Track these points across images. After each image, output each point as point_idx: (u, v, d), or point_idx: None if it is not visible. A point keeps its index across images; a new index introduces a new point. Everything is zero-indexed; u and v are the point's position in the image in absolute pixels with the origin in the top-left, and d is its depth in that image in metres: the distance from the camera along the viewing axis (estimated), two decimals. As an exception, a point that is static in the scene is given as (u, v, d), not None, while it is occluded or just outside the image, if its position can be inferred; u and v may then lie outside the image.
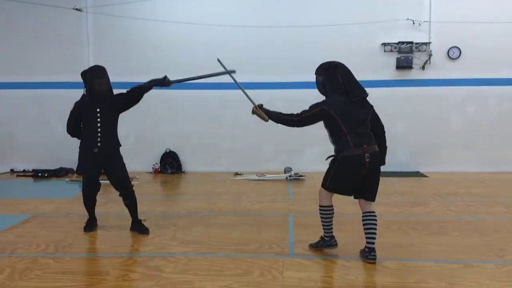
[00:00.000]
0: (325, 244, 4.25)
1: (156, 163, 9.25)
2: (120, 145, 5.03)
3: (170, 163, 9.22)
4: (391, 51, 8.89)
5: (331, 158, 4.10)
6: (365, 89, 4.05)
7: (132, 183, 5.07)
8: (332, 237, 4.21)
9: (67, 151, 8.99)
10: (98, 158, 4.83)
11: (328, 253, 4.23)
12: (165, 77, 4.91)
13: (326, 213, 4.14)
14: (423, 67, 8.89)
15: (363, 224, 4.06)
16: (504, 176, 8.48)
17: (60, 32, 9.21)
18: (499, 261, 4.06)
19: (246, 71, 9.02)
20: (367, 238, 4.02)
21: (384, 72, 9.00)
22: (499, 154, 8.99)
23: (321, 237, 4.28)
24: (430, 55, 8.81)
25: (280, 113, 4.16)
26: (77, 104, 4.86)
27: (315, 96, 4.27)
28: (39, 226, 5.28)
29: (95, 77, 4.76)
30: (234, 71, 4.62)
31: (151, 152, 9.28)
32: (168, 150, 9.30)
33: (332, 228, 4.20)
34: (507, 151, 8.99)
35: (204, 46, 8.99)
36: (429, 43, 8.83)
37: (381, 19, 8.72)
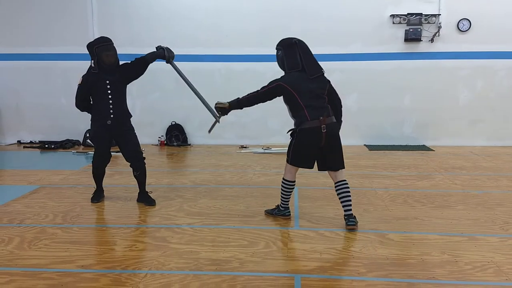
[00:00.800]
0: (279, 213, 4.50)
1: (162, 136, 9.27)
2: (131, 116, 5.05)
3: (176, 136, 9.23)
4: (399, 23, 8.72)
5: (291, 132, 4.26)
6: (322, 67, 4.19)
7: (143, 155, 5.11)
8: (287, 208, 4.48)
9: (74, 123, 9.08)
10: (112, 130, 4.85)
11: (333, 226, 4.27)
12: (167, 55, 4.90)
13: (287, 187, 4.37)
14: (432, 40, 8.74)
15: (337, 194, 4.22)
16: (511, 150, 8.42)
17: (64, 2, 9.09)
18: (504, 234, 4.08)
19: (250, 43, 8.97)
20: (344, 206, 4.18)
21: (392, 45, 8.85)
22: (506, 128, 8.91)
23: (277, 206, 4.55)
24: (439, 28, 8.64)
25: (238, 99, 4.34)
26: (85, 78, 4.82)
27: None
28: (47, 197, 5.34)
29: (103, 49, 4.72)
30: (218, 118, 4.68)
31: (157, 125, 9.28)
32: (174, 123, 9.30)
33: (289, 201, 4.46)
34: (515, 125, 8.91)
35: (210, 17, 8.89)
36: (439, 15, 8.65)
37: (390, -10, 8.56)
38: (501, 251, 3.69)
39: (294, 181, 4.37)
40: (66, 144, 8.97)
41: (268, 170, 6.85)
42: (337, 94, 4.30)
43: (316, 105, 4.07)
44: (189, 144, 9.25)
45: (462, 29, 8.69)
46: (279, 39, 4.36)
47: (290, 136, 4.28)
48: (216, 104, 4.47)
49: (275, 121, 9.06)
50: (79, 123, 8.83)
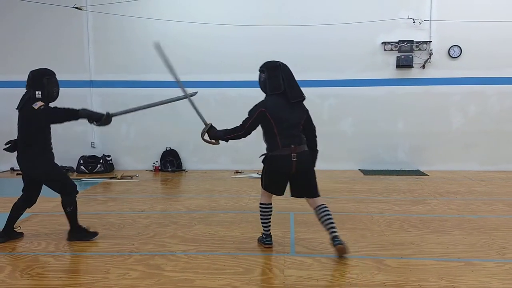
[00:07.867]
0: (261, 241, 4.42)
1: (157, 161, 9.25)
2: None
3: (170, 161, 9.21)
4: (391, 50, 8.88)
5: (263, 157, 4.26)
6: (303, 93, 4.15)
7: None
8: (268, 235, 4.39)
9: (67, 149, 9.03)
10: None
11: (329, 251, 4.22)
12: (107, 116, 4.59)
13: (264, 210, 4.33)
14: (423, 66, 8.88)
15: (319, 219, 4.14)
16: (505, 175, 8.47)
17: (60, 30, 9.18)
18: (500, 259, 4.06)
19: (244, 70, 9.05)
20: (328, 229, 4.07)
21: (385, 71, 8.98)
22: (499, 152, 8.99)
23: (262, 233, 4.46)
24: (430, 54, 8.79)
25: (226, 131, 4.28)
26: (45, 103, 4.60)
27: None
28: (40, 224, 5.28)
29: (53, 81, 4.70)
30: (194, 93, 4.71)
31: (152, 150, 9.27)
32: (168, 148, 9.29)
33: (269, 227, 4.37)
34: (508, 149, 8.98)
35: (205, 45, 9.00)
36: (430, 42, 8.81)
37: (381, 18, 8.71)
38: (498, 276, 3.67)
39: (270, 204, 4.32)
40: (60, 171, 8.90)
41: (263, 195, 6.82)
42: (313, 125, 4.24)
43: (289, 134, 4.06)
44: (184, 170, 9.23)
45: (453, 56, 8.85)
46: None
47: (262, 162, 4.26)
48: (205, 133, 4.44)
49: (269, 147, 9.07)
50: (73, 149, 8.82)
